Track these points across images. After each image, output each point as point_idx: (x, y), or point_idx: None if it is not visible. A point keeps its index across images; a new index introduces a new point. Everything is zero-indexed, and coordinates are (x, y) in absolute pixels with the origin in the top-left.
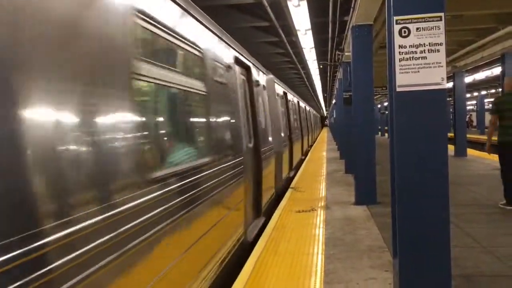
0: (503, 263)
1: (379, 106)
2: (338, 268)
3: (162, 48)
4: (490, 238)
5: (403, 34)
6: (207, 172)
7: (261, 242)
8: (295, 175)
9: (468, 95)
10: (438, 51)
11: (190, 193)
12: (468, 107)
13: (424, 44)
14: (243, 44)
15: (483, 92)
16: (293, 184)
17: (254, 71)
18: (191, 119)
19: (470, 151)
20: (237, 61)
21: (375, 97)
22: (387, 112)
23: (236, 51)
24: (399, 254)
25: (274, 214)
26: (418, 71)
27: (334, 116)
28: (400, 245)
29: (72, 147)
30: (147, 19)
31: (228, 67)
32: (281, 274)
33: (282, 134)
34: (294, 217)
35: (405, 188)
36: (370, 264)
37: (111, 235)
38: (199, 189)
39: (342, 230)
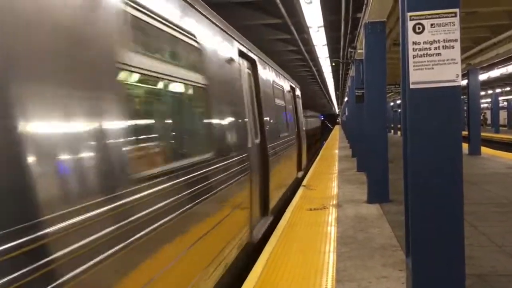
0: None
1: (391, 104)
2: (350, 267)
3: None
4: (505, 237)
5: (417, 31)
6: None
7: (272, 240)
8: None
9: (482, 93)
10: (453, 47)
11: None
12: (483, 105)
13: (438, 40)
14: (254, 42)
15: (498, 90)
16: (304, 182)
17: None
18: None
19: (484, 150)
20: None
21: (387, 95)
22: (399, 110)
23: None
24: (412, 253)
25: (286, 212)
26: (432, 68)
27: (346, 114)
28: (413, 244)
29: None
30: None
31: (290, 92)
32: (292, 272)
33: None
34: (306, 215)
35: (418, 186)
36: (382, 263)
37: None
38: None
39: (354, 228)
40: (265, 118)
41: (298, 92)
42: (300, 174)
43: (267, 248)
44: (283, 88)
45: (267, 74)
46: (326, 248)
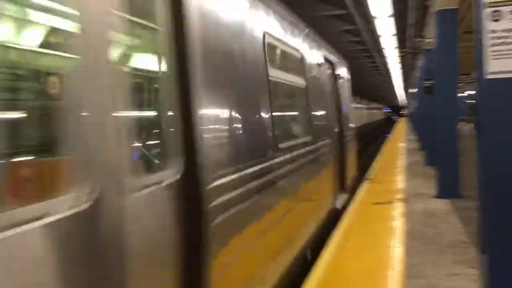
0: None
1: (462, 94)
2: (419, 263)
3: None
4: None
5: (494, 18)
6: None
7: (337, 234)
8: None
9: None
10: None
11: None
12: None
13: None
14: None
15: None
16: (370, 175)
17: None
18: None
19: None
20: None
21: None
22: (471, 101)
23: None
24: (488, 250)
25: (350, 206)
26: None
27: (414, 105)
28: (489, 241)
29: None
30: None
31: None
32: (359, 267)
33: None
34: (371, 209)
35: (494, 180)
36: (453, 260)
37: None
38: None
39: (422, 223)
40: (218, 113)
41: (342, 71)
42: (342, 200)
43: (333, 243)
44: (302, 58)
45: (247, 12)
46: (393, 243)
